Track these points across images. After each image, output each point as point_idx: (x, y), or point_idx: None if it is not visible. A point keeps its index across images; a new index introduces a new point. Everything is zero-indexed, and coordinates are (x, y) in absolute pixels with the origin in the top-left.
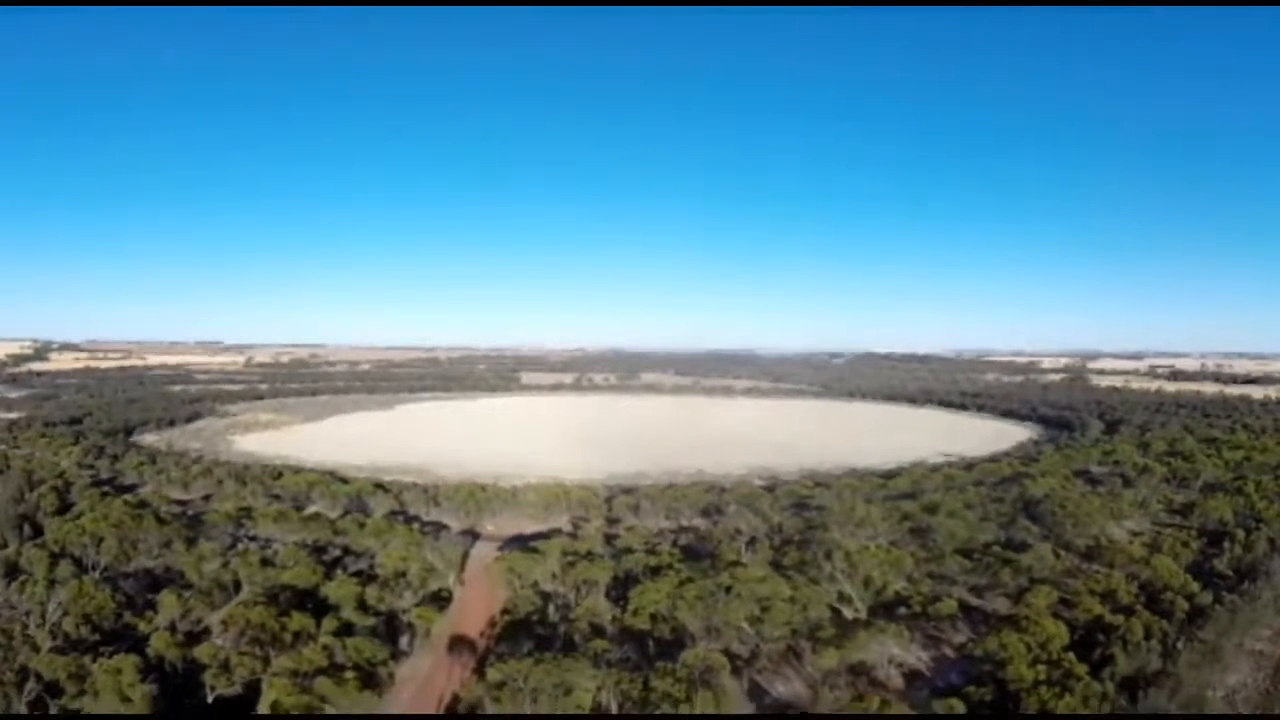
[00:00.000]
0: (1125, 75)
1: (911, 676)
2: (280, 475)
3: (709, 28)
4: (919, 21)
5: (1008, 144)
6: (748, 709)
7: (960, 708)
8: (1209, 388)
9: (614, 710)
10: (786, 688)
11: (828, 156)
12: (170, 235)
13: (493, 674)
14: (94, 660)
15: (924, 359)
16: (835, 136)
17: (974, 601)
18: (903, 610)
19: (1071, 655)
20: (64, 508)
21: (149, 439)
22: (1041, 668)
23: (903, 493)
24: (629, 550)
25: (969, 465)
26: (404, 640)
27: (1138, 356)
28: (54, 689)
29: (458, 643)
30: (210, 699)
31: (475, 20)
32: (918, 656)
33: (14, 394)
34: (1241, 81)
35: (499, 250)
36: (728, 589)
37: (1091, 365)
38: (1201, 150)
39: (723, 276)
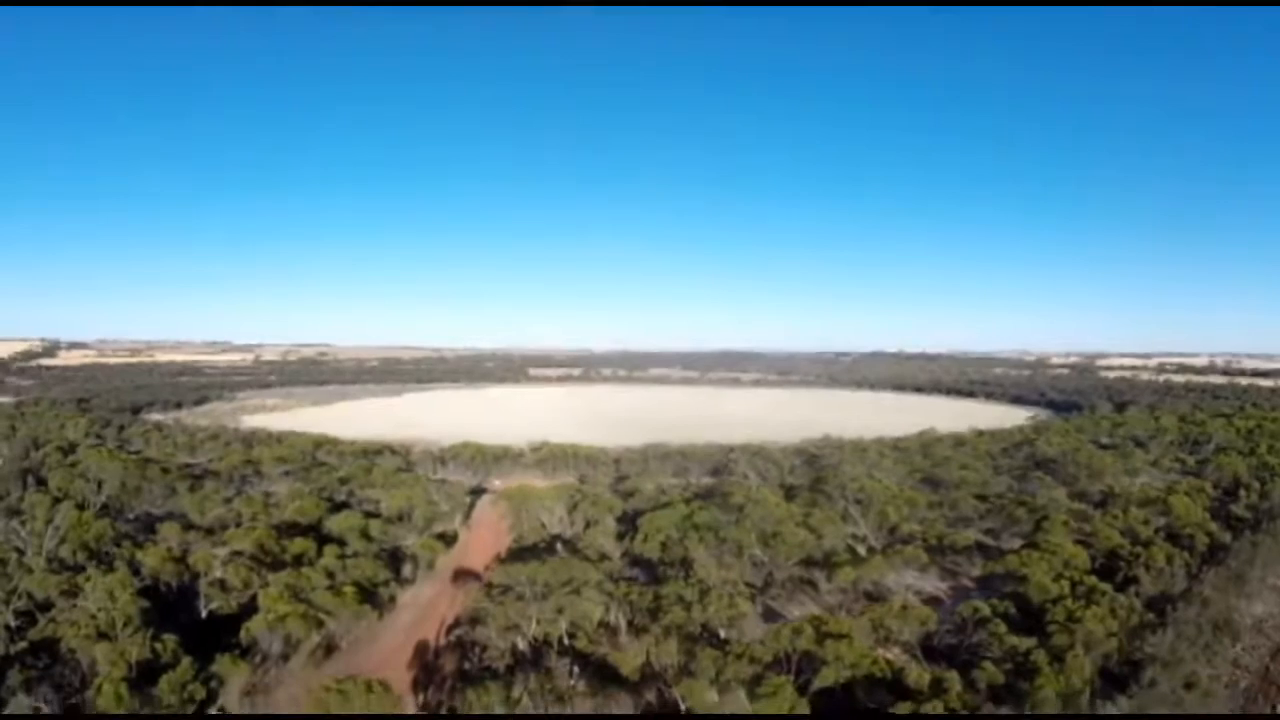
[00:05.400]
0: (1131, 77)
1: (930, 602)
2: (284, 440)
3: (713, 26)
4: (924, 19)
5: (1011, 144)
6: (762, 629)
7: (985, 610)
8: (1218, 379)
9: (623, 625)
10: (802, 611)
11: (833, 156)
12: (178, 236)
13: (498, 576)
14: (87, 580)
15: (933, 358)
16: (839, 136)
17: (990, 542)
18: (919, 543)
19: (1093, 578)
20: (69, 466)
21: (156, 418)
22: (1064, 583)
23: (914, 452)
24: (637, 491)
25: (980, 433)
26: (407, 570)
27: (1145, 356)
28: (44, 607)
29: (462, 574)
30: (204, 614)
31: (479, 19)
32: (935, 585)
33: (24, 382)
34: (1250, 82)
35: (504, 252)
36: (740, 509)
37: (1100, 363)
38: (1207, 149)
39: (727, 277)
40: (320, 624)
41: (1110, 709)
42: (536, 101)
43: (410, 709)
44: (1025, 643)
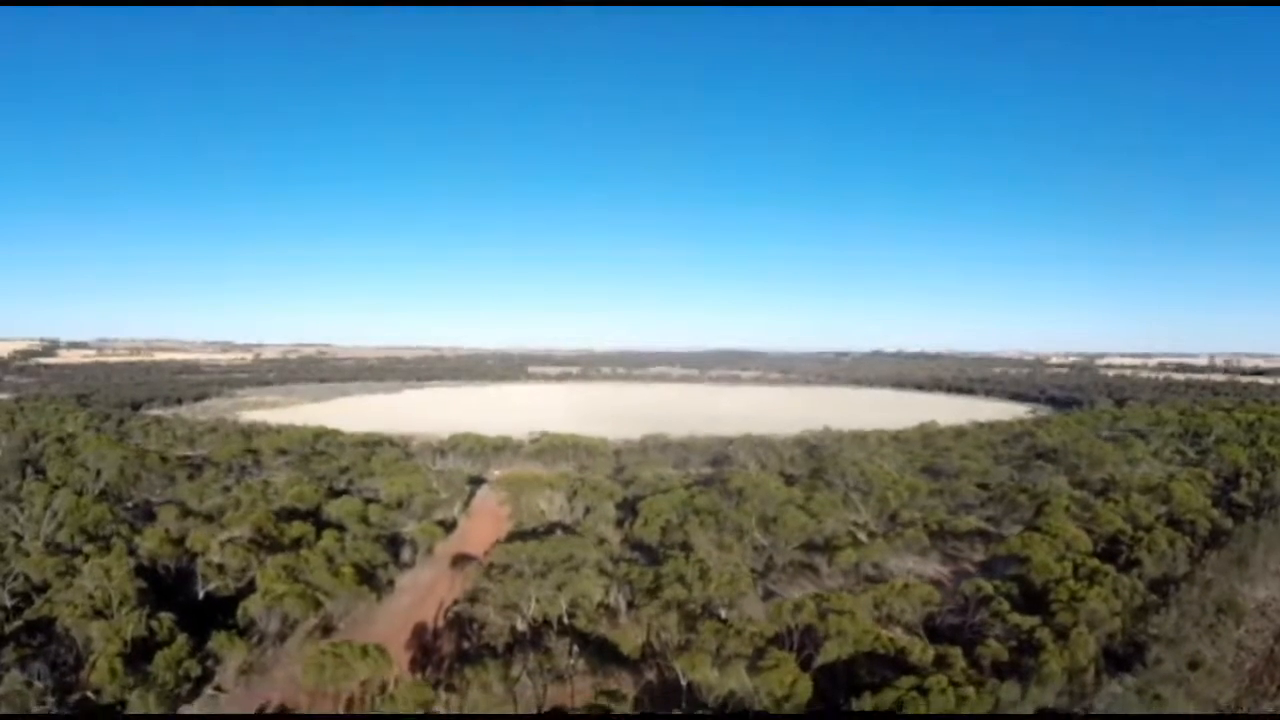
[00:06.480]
0: (1131, 77)
1: (931, 585)
2: (284, 432)
3: (713, 26)
4: (924, 19)
5: (1009, 144)
6: (763, 610)
7: (988, 588)
8: (1218, 377)
9: (623, 606)
10: (803, 594)
11: (832, 156)
12: (178, 235)
13: (498, 555)
14: (85, 561)
15: (932, 357)
16: (839, 136)
17: (991, 529)
18: (920, 528)
19: (1096, 560)
20: (67, 455)
21: (155, 413)
22: (1067, 564)
23: (915, 442)
24: (636, 479)
25: (980, 425)
26: (406, 554)
27: (1145, 356)
28: (41, 588)
29: (461, 559)
30: (202, 594)
31: (479, 19)
32: (936, 569)
33: (24, 380)
34: (1250, 82)
35: (504, 252)
36: (740, 492)
37: (1099, 363)
38: (1207, 149)
39: (726, 277)
40: (318, 604)
41: (1115, 687)
42: (537, 101)
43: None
44: (1029, 621)
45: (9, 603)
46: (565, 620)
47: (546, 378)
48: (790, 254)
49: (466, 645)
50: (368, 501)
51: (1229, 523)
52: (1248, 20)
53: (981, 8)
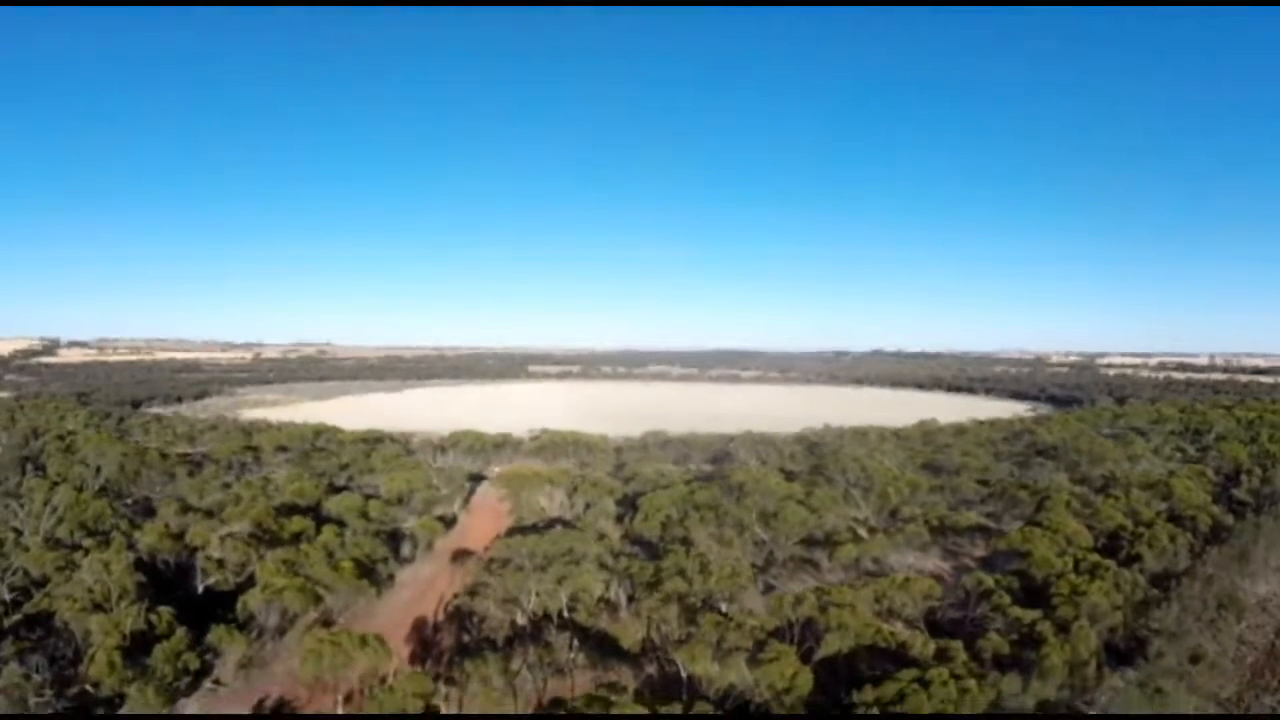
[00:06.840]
0: (1131, 77)
1: (933, 579)
2: (284, 429)
3: (713, 26)
4: (924, 19)
5: (1009, 144)
6: (764, 604)
7: (989, 582)
8: (1218, 376)
9: (623, 601)
10: (803, 588)
11: (832, 156)
12: (178, 235)
13: (498, 549)
14: (84, 556)
15: (932, 356)
16: (838, 136)
17: (991, 525)
18: (920, 523)
19: (1096, 555)
20: (68, 452)
21: (155, 411)
22: (1068, 559)
23: (915, 439)
24: (637, 475)
25: (980, 422)
26: (406, 549)
27: (1146, 355)
28: (40, 583)
29: (461, 555)
30: (201, 589)
31: (479, 19)
32: (937, 564)
33: (24, 379)
34: (1250, 82)
35: (505, 251)
36: (741, 487)
37: (1099, 362)
38: (1207, 149)
39: (726, 276)
40: (318, 598)
41: (1117, 681)
42: (537, 101)
43: None
44: (1030, 615)
45: (8, 597)
46: (565, 614)
47: (547, 376)
48: (790, 254)
49: (466, 639)
50: (368, 497)
51: (1230, 519)
52: (1248, 20)
53: (981, 8)
